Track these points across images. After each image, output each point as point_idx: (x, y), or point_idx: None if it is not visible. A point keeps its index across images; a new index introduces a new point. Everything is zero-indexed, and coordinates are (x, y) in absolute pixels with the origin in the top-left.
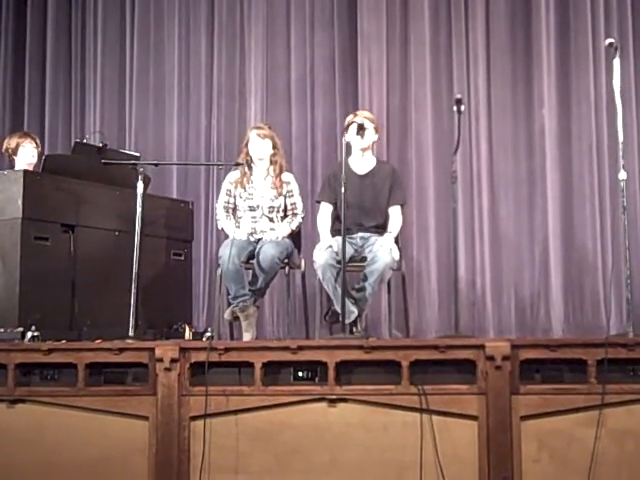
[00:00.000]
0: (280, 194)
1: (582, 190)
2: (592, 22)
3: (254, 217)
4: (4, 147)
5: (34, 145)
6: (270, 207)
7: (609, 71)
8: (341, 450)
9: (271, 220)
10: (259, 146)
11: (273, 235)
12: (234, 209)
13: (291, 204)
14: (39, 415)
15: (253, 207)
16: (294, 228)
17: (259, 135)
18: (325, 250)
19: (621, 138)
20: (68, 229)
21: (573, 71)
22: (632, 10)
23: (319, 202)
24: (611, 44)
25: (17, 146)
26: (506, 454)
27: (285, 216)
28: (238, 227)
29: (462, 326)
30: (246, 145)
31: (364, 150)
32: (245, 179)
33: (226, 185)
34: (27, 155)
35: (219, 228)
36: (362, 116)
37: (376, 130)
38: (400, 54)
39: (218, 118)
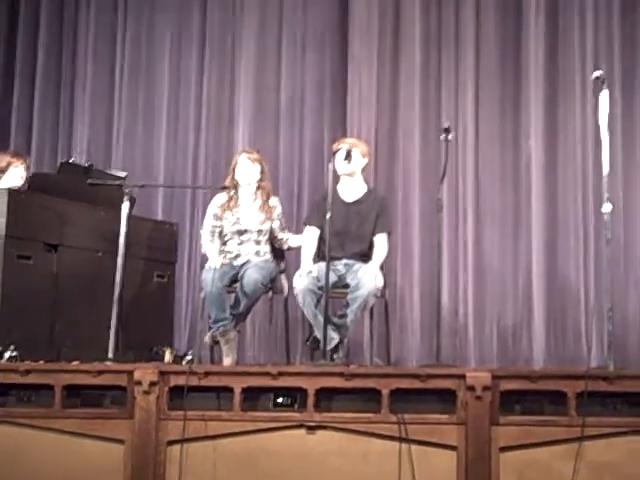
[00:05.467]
0: (268, 218)
1: (566, 222)
2: (580, 54)
3: (241, 241)
4: None
5: (25, 167)
6: (259, 230)
7: (596, 103)
8: (319, 477)
9: (258, 243)
10: (248, 170)
11: (259, 259)
12: (220, 232)
13: (279, 226)
14: (15, 437)
15: (241, 231)
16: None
17: (249, 159)
18: (305, 276)
19: (606, 171)
20: (51, 248)
21: (560, 102)
22: (620, 43)
23: (306, 225)
24: (598, 77)
25: (8, 165)
26: None
27: (270, 240)
28: (222, 253)
29: (444, 355)
30: (233, 169)
31: (351, 175)
32: (232, 203)
33: (212, 209)
34: (16, 177)
35: (202, 252)
36: (348, 142)
37: (363, 155)
38: (390, 79)
39: (206, 139)
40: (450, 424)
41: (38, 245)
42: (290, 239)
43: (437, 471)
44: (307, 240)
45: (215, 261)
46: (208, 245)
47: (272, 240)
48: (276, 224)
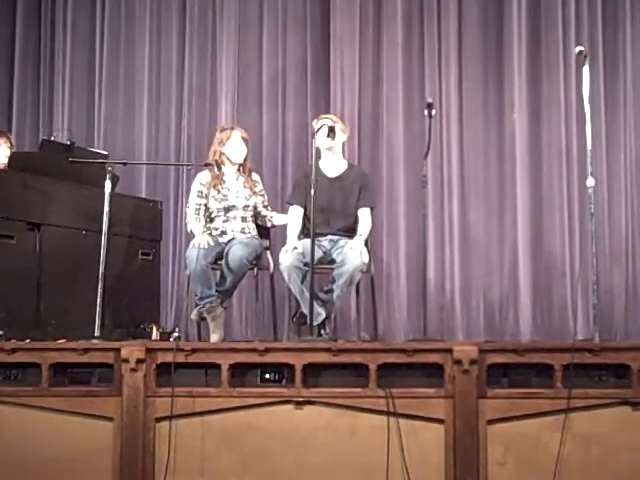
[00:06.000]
0: (254, 193)
1: (551, 196)
2: (563, 29)
3: (227, 218)
4: None
5: (8, 145)
6: (245, 206)
7: (579, 78)
8: (307, 453)
9: (244, 220)
10: (242, 149)
11: (244, 236)
12: (206, 210)
13: (263, 202)
14: (2, 415)
15: (228, 207)
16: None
17: (244, 138)
18: (290, 252)
19: (589, 145)
20: (34, 227)
21: (544, 77)
22: (602, 18)
23: (290, 204)
24: (581, 52)
25: None
26: (472, 457)
27: (255, 216)
28: (207, 231)
29: (431, 329)
30: (220, 144)
31: (332, 150)
32: (217, 180)
33: (197, 187)
34: (0, 155)
35: (188, 230)
36: (330, 118)
37: (343, 131)
38: (372, 57)
39: (188, 118)
40: (438, 398)
41: (21, 224)
42: (274, 217)
43: (425, 444)
44: (292, 218)
45: (202, 240)
46: (194, 223)
47: (256, 217)
48: (259, 199)
